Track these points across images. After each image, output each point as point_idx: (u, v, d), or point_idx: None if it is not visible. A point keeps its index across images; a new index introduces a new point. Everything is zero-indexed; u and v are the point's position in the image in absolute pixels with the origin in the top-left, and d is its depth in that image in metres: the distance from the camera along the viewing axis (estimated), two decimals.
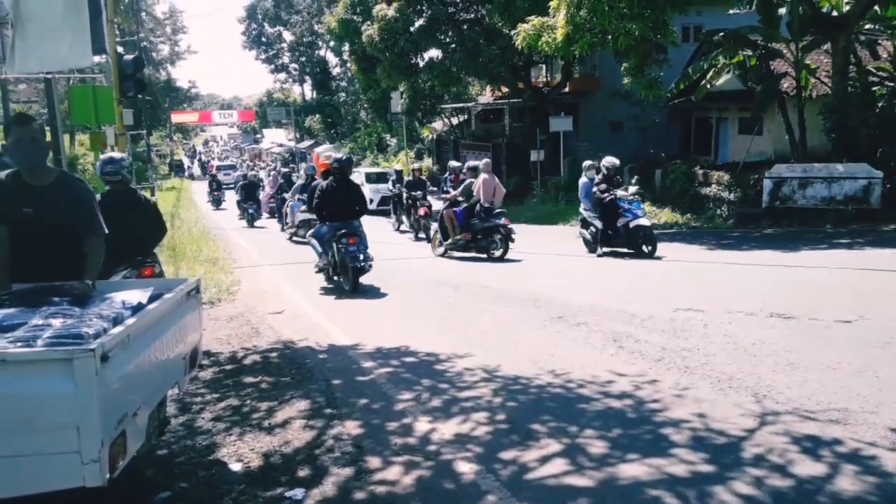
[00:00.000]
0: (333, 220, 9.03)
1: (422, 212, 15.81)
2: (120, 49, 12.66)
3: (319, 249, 9.32)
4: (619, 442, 3.98)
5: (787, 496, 3.29)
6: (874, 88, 16.63)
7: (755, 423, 4.12)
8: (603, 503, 3.32)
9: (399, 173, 19.90)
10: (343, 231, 8.84)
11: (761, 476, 3.48)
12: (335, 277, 9.26)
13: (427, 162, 34.18)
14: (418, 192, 16.34)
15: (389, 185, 19.18)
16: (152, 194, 18.34)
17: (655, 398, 4.63)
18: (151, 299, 3.52)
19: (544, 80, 29.39)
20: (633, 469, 3.62)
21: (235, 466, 3.93)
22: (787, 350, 5.50)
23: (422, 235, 15.63)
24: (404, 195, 17.08)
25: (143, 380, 3.17)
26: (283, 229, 17.75)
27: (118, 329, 2.96)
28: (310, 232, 10.11)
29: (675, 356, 5.51)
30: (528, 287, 8.90)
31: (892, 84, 16.17)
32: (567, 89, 26.05)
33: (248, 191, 21.79)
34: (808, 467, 3.55)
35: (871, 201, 13.89)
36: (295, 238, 15.66)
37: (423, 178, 17.64)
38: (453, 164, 16.24)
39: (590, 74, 26.55)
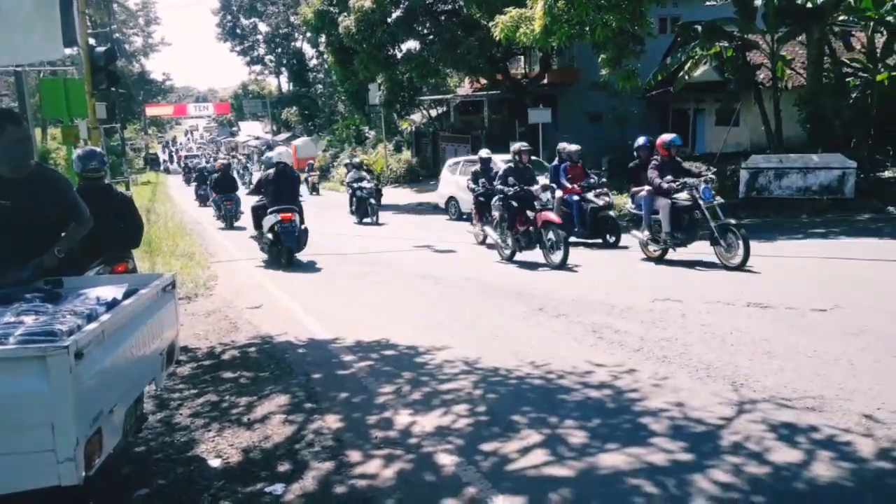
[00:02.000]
0: (277, 203, 10.62)
1: (543, 220, 9.69)
2: (92, 41, 12.41)
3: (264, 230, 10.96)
4: (598, 432, 4.01)
5: (765, 483, 3.33)
6: (848, 79, 16.85)
7: (733, 412, 4.17)
8: (583, 493, 3.34)
9: (486, 162, 13.01)
10: (282, 208, 10.53)
11: (739, 463, 3.52)
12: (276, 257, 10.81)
13: (406, 154, 34.04)
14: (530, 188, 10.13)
15: (469, 180, 13.32)
16: (127, 189, 18.06)
17: (634, 388, 4.67)
18: (126, 295, 3.48)
19: (523, 71, 29.38)
20: (612, 458, 3.65)
21: (214, 462, 3.90)
22: (764, 339, 5.57)
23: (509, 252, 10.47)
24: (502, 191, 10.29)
25: (118, 376, 3.13)
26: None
27: (92, 326, 2.93)
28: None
29: (653, 346, 5.55)
30: (510, 280, 8.92)
31: (865, 75, 16.39)
32: (545, 81, 26.08)
33: (226, 184, 18.33)
34: (784, 454, 3.60)
35: (845, 191, 14.07)
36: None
37: (530, 164, 10.82)
38: (568, 147, 12.13)
39: (568, 66, 26.60)
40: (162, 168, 57.76)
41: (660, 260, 9.65)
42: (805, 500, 3.17)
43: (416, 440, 4.03)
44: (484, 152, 13.43)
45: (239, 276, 10.22)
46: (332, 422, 4.38)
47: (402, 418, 4.36)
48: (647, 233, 9.68)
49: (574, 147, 12.16)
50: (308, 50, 57.71)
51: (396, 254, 12.17)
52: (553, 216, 9.80)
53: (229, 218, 17.66)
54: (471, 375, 5.12)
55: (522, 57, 29.12)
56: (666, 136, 9.70)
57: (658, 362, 5.18)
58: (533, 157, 11.93)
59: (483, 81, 28.05)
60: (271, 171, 11.02)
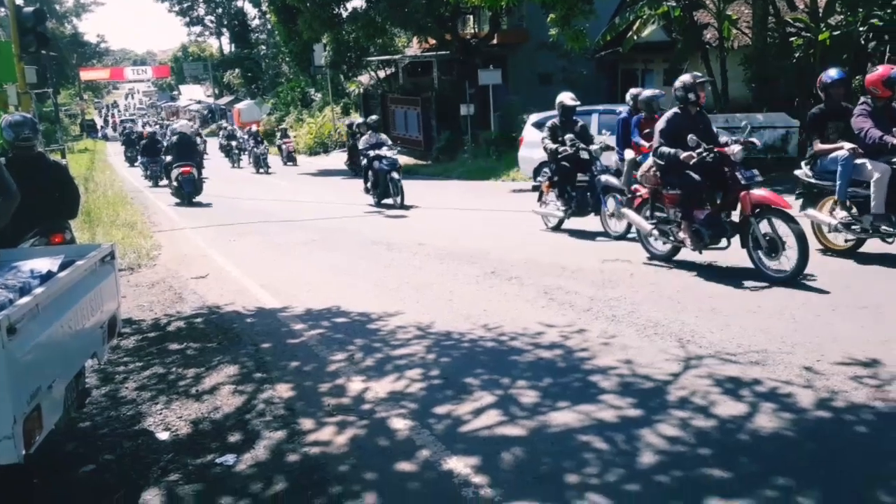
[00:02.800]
0: (179, 161, 15.05)
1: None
2: (19, 0, 11.74)
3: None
4: (549, 391, 4.06)
5: (711, 436, 3.43)
6: (791, 39, 17.13)
7: (679, 367, 4.27)
8: (535, 451, 3.38)
9: (569, 111, 9.18)
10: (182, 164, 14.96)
11: (686, 417, 3.61)
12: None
13: (355, 117, 33.53)
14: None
15: (546, 139, 9.18)
16: (63, 157, 17.39)
17: (584, 347, 4.74)
18: (62, 267, 3.34)
19: (472, 31, 29.05)
20: (563, 416, 3.70)
21: (163, 435, 3.83)
22: (710, 296, 5.70)
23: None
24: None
25: (56, 351, 3.02)
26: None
27: (26, 299, 2.81)
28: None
29: (602, 306, 5.63)
30: (464, 243, 8.91)
31: (808, 35, 16.69)
32: (495, 41, 25.83)
33: (152, 149, 20.21)
34: (729, 407, 3.70)
35: (788, 150, 14.43)
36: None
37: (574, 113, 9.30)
38: (644, 92, 9.44)
39: (518, 26, 26.37)
40: (100, 135, 55.62)
41: (851, 253, 6.76)
42: (749, 451, 3.27)
43: (370, 406, 4.01)
44: (567, 98, 9.15)
45: (183, 245, 9.98)
46: (284, 391, 4.33)
47: (355, 385, 4.34)
48: (842, 213, 6.58)
49: (651, 92, 9.39)
50: (250, 10, 56.06)
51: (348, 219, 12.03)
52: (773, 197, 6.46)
53: (154, 177, 20.24)
54: (424, 340, 5.11)
55: (471, 17, 28.76)
56: (887, 70, 6.58)
57: (607, 321, 5.26)
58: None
59: (432, 42, 27.64)
60: (174, 137, 15.75)
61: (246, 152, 26.63)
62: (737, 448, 3.31)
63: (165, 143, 17.52)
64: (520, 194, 14.78)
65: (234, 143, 27.97)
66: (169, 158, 15.75)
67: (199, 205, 14.81)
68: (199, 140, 21.40)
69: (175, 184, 15.09)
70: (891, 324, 4.83)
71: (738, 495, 2.91)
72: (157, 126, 34.94)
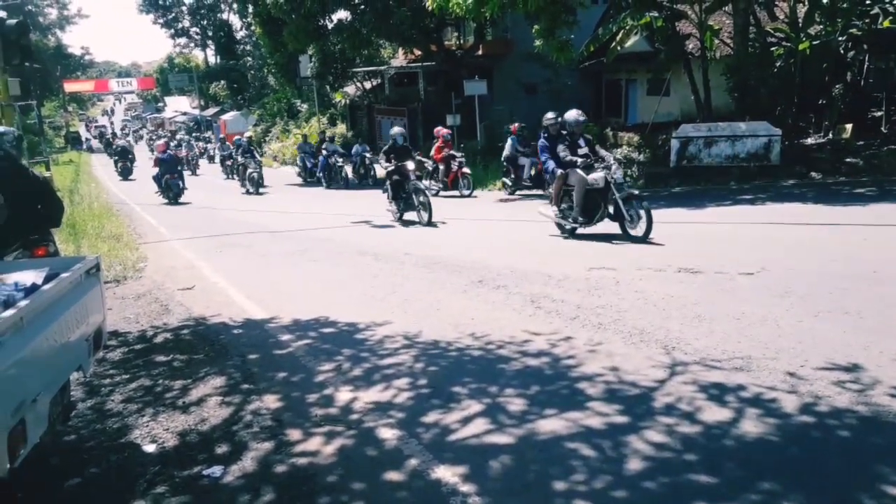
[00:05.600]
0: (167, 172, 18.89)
1: None
2: (2, 13, 11.66)
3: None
4: (537, 399, 4.08)
5: (697, 442, 3.46)
6: (772, 48, 17.37)
7: (665, 374, 4.30)
8: (523, 459, 3.39)
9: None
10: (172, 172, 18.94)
11: (672, 424, 3.64)
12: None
13: (341, 128, 33.53)
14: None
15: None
16: (47, 169, 17.26)
17: (571, 354, 4.76)
18: (47, 279, 3.32)
19: (457, 42, 29.20)
20: (551, 424, 3.72)
21: (149, 448, 3.80)
22: (695, 303, 5.75)
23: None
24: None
25: (41, 364, 3.00)
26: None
27: (10, 312, 2.79)
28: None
29: (589, 314, 5.66)
30: (451, 252, 8.93)
31: (788, 44, 16.92)
32: (480, 52, 25.98)
33: (123, 152, 27.20)
34: (714, 413, 3.73)
35: (771, 158, 14.59)
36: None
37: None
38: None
39: (503, 37, 26.53)
40: (85, 147, 55.25)
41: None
42: (735, 456, 3.30)
43: (357, 416, 4.01)
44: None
45: (170, 257, 9.93)
46: (271, 402, 4.31)
47: (343, 395, 4.33)
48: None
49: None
50: (235, 21, 55.96)
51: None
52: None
53: (125, 171, 26.56)
54: (411, 349, 5.11)
55: (456, 28, 28.92)
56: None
57: (594, 329, 5.29)
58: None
59: (417, 53, 27.76)
60: (161, 154, 19.43)
61: (237, 169, 22.68)
62: (722, 453, 3.34)
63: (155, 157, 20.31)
64: (506, 204, 14.86)
65: (228, 161, 26.39)
66: (157, 170, 19.38)
67: (184, 205, 14.74)
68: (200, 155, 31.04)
69: (163, 185, 19.00)
70: (871, 329, 4.88)
71: (725, 500, 2.93)
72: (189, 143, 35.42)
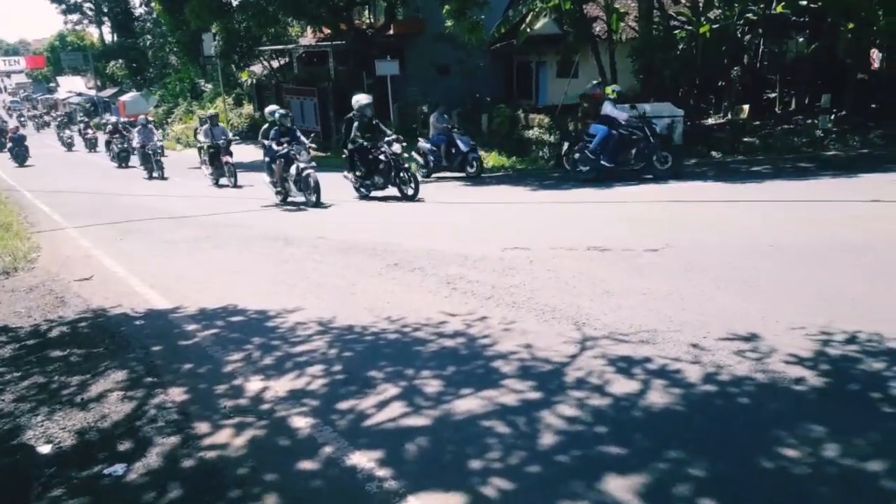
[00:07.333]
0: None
1: None
2: None
3: None
4: (453, 379, 4.08)
5: (606, 414, 3.54)
6: (675, 32, 17.99)
7: (576, 350, 4.39)
8: (439, 440, 3.39)
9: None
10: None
11: (583, 397, 3.72)
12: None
13: (248, 108, 32.52)
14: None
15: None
16: None
17: (486, 334, 4.79)
18: None
19: (368, 21, 28.76)
20: (467, 403, 3.73)
21: (44, 448, 3.57)
22: (603, 280, 5.89)
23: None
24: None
25: None
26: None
27: None
28: None
29: (503, 293, 5.71)
30: (364, 237, 8.81)
31: (690, 28, 17.56)
32: (391, 32, 25.68)
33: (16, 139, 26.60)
34: (623, 385, 3.84)
35: (674, 138, 15.14)
36: None
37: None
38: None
39: (414, 17, 26.31)
40: None
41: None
42: (642, 427, 3.40)
43: (269, 406, 3.90)
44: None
45: (65, 246, 9.35)
46: (177, 395, 4.13)
47: (253, 385, 4.20)
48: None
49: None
50: None
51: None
52: None
53: (20, 157, 25.57)
54: (325, 335, 5.02)
55: (367, 7, 28.47)
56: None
57: (508, 308, 5.34)
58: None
59: (327, 32, 27.18)
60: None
61: (135, 151, 21.10)
62: (631, 425, 3.44)
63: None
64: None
65: (116, 140, 23.44)
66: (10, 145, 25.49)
67: (79, 194, 13.98)
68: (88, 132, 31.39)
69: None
70: (768, 299, 5.15)
71: (634, 470, 3.02)
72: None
